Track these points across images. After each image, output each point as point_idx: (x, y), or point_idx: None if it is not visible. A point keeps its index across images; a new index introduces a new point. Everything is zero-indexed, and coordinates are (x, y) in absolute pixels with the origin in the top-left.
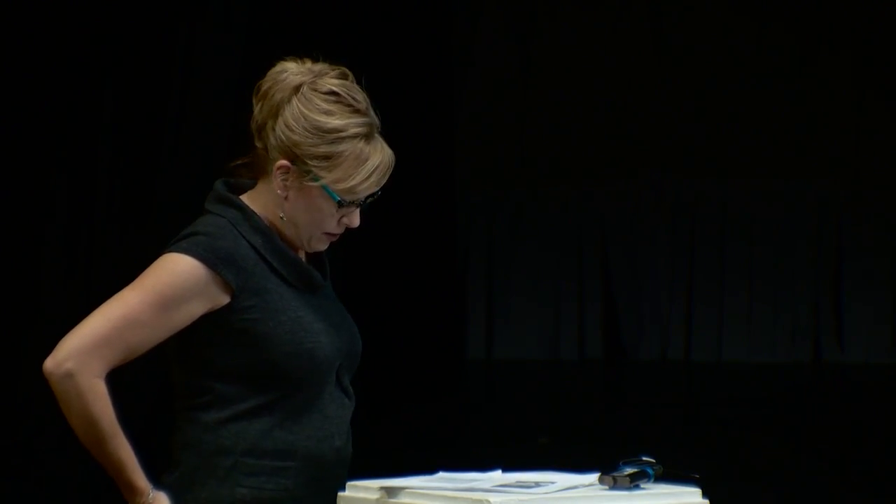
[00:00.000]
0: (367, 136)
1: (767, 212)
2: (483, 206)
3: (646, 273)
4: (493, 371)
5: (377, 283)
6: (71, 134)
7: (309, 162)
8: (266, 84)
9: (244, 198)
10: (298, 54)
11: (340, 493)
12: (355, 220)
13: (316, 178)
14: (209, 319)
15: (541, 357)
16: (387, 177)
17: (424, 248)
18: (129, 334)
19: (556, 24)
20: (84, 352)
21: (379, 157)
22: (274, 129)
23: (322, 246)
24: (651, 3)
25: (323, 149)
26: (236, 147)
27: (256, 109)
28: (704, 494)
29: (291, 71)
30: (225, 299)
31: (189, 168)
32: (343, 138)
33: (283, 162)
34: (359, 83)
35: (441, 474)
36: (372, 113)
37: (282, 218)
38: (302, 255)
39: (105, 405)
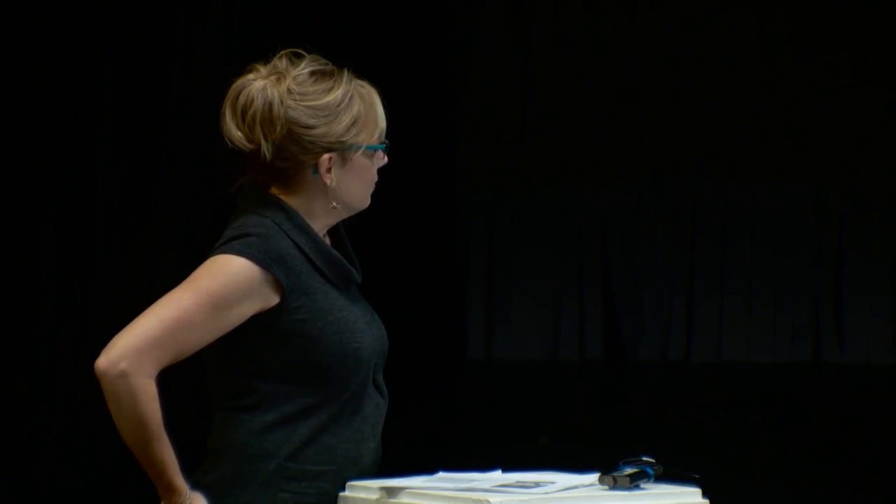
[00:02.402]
0: (359, 85)
1: (767, 212)
2: (483, 206)
3: (646, 273)
4: (493, 371)
5: (377, 283)
6: (70, 135)
7: (344, 139)
8: (246, 110)
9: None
10: (299, 54)
11: (340, 493)
12: (385, 157)
13: (358, 146)
14: (258, 320)
15: (541, 357)
16: None
17: (424, 248)
18: (182, 336)
19: (556, 25)
20: (138, 352)
21: (374, 92)
22: (294, 139)
23: (368, 202)
24: (651, 2)
25: (345, 120)
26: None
27: (252, 134)
28: (704, 494)
29: (255, 84)
30: (275, 300)
31: (189, 169)
32: (351, 99)
33: (326, 155)
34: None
35: (441, 474)
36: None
37: (335, 207)
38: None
39: (155, 406)
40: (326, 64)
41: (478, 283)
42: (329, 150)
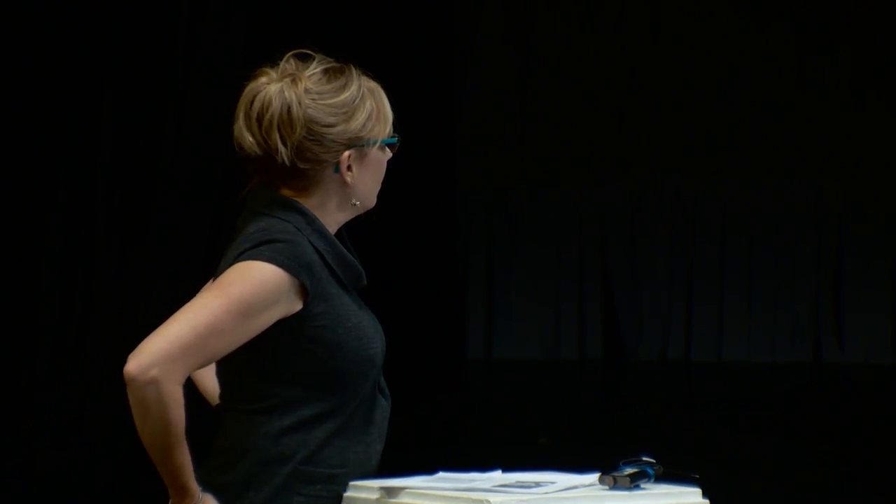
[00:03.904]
0: (366, 83)
1: (767, 212)
2: (483, 206)
3: (646, 273)
4: (493, 371)
5: (376, 283)
6: (70, 135)
7: (362, 135)
8: (262, 114)
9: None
10: (299, 54)
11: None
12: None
13: (374, 141)
14: (281, 325)
15: (541, 357)
16: None
17: (424, 248)
18: (212, 342)
19: (556, 25)
20: (170, 359)
21: (375, 83)
22: (315, 139)
23: (376, 199)
24: (651, 3)
25: (361, 116)
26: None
27: (268, 139)
28: (704, 494)
29: (270, 88)
30: (299, 306)
31: (189, 170)
32: (363, 95)
33: (346, 152)
34: None
35: (441, 474)
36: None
37: (355, 204)
38: None
39: (181, 413)
40: (333, 62)
41: (478, 283)
42: (349, 146)
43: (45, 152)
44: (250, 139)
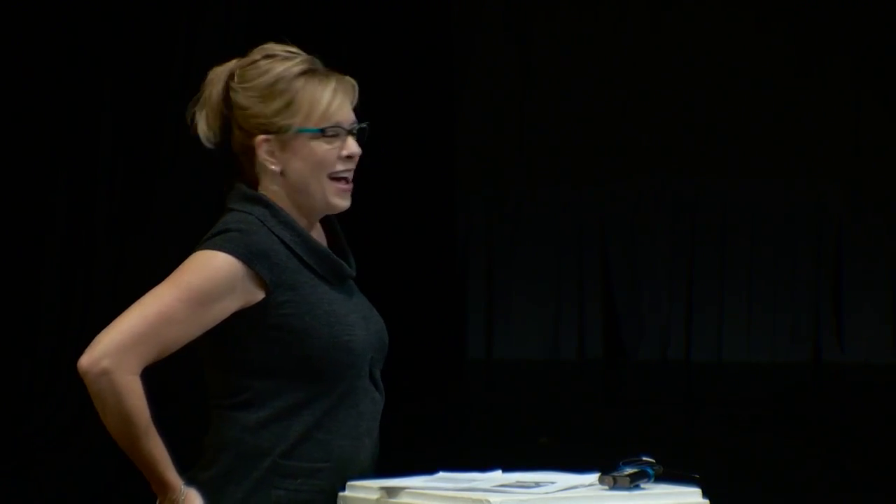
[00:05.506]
0: (313, 70)
1: (767, 212)
2: (483, 206)
3: (646, 273)
4: (493, 371)
5: (377, 283)
6: (70, 135)
7: (277, 121)
8: (204, 103)
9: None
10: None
11: (340, 493)
12: (351, 146)
13: (290, 129)
14: (244, 316)
15: (541, 357)
16: (355, 98)
17: (424, 248)
18: (164, 331)
19: (556, 25)
20: (120, 349)
21: (334, 79)
22: (238, 124)
23: (341, 200)
24: (651, 3)
25: (279, 101)
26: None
27: (210, 127)
28: (704, 494)
29: (216, 72)
30: (259, 295)
31: (189, 170)
32: (290, 79)
33: (261, 137)
34: (359, 83)
35: (441, 474)
36: (314, 58)
37: (297, 199)
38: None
39: (141, 403)
40: (290, 51)
41: (478, 283)
42: (264, 132)
43: (45, 152)
44: (204, 130)
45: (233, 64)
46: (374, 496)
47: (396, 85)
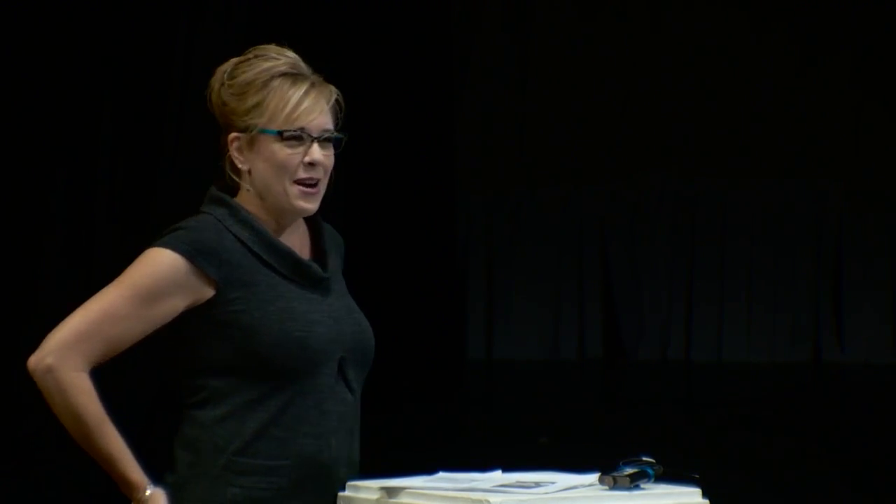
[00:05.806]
0: (292, 74)
1: (767, 212)
2: (483, 206)
3: (646, 273)
4: (493, 371)
5: (377, 283)
6: (70, 135)
7: (246, 119)
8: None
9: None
10: (299, 54)
11: (340, 493)
12: (315, 154)
13: (255, 128)
14: (195, 314)
15: (541, 357)
16: (329, 105)
17: (424, 248)
18: (108, 328)
19: (556, 24)
20: (63, 347)
21: (308, 84)
22: (219, 118)
23: (305, 203)
24: (650, 3)
25: (251, 100)
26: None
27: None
28: (704, 494)
29: (218, 70)
30: (209, 293)
31: (189, 169)
32: (266, 81)
33: (232, 134)
34: (359, 84)
35: (441, 474)
36: (301, 64)
37: (263, 199)
38: (306, 253)
39: (88, 399)
40: (281, 53)
41: (478, 284)
42: (236, 129)
43: (45, 151)
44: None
45: (232, 62)
46: (374, 496)
47: (396, 85)
